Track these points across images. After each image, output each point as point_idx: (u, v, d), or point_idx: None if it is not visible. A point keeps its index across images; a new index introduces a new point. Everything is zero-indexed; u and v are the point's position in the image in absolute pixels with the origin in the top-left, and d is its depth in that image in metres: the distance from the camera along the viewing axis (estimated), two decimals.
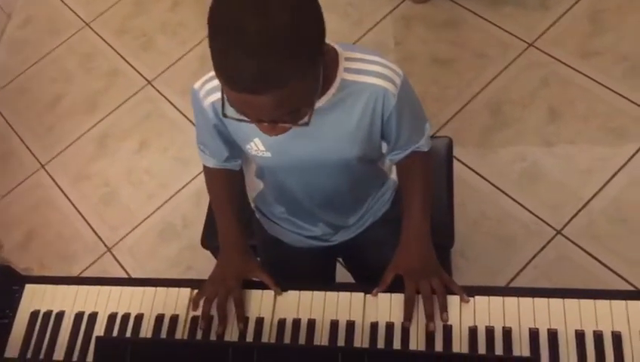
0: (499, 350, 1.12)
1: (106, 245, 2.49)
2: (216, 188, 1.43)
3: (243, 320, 1.24)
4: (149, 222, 2.50)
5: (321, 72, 1.04)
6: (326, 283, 1.56)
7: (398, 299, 1.20)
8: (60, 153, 2.79)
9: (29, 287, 1.41)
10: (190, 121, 2.70)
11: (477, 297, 1.18)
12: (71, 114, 2.90)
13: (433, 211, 1.34)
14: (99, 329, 1.31)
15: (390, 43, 2.68)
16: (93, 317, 1.33)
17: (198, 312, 1.28)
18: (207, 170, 1.45)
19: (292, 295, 1.26)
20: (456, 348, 1.14)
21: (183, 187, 2.55)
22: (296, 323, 1.23)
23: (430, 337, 1.15)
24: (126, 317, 1.31)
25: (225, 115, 1.05)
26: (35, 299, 1.39)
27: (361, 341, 1.18)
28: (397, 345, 1.16)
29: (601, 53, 2.43)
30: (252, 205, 1.57)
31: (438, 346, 1.14)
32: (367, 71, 1.17)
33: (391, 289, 1.23)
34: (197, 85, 1.26)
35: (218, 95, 1.20)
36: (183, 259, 2.37)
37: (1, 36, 3.31)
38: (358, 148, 1.24)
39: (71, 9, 3.31)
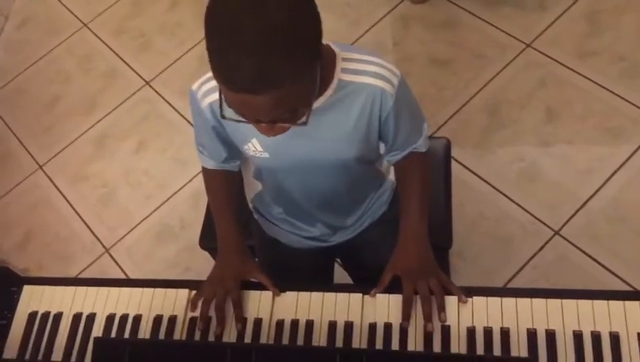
0: (497, 350, 1.12)
1: (104, 246, 2.48)
2: (214, 189, 1.43)
3: (241, 320, 1.24)
4: (147, 223, 2.50)
5: (319, 72, 1.04)
6: (324, 283, 1.56)
7: (396, 299, 1.20)
8: (58, 154, 2.79)
9: (27, 288, 1.41)
10: (188, 122, 2.70)
11: (475, 298, 1.18)
12: (69, 114, 2.90)
13: (431, 212, 1.34)
14: (97, 330, 1.31)
15: (389, 43, 2.68)
16: (91, 318, 1.33)
17: (197, 313, 1.28)
18: (205, 171, 1.45)
19: (290, 296, 1.26)
20: (454, 349, 1.14)
21: (182, 188, 2.55)
22: (295, 323, 1.23)
23: (428, 338, 1.16)
24: (124, 318, 1.31)
25: (223, 117, 1.05)
26: (33, 300, 1.39)
27: (359, 341, 1.18)
28: (395, 345, 1.16)
29: (598, 53, 2.43)
30: (250, 206, 1.57)
31: (437, 347, 1.15)
32: (365, 71, 1.17)
33: (389, 290, 1.23)
34: (195, 86, 1.26)
35: (216, 96, 1.20)
36: (182, 259, 2.36)
37: None
38: (355, 149, 1.24)
39: (69, 10, 3.31)
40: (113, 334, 1.30)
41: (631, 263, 1.99)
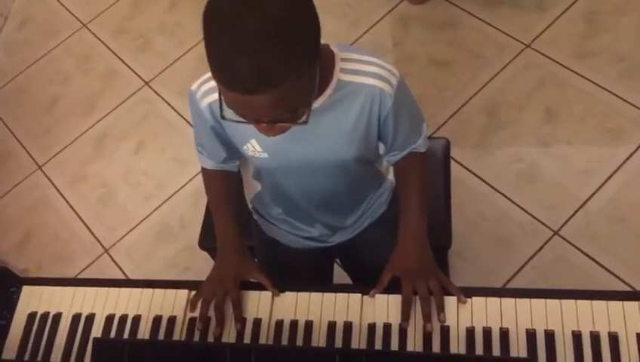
0: (496, 351, 1.12)
1: (103, 246, 2.48)
2: (214, 190, 1.43)
3: (240, 321, 1.24)
4: (146, 223, 2.50)
5: (318, 72, 1.04)
6: (323, 284, 1.56)
7: (395, 300, 1.21)
8: (58, 154, 2.79)
9: (26, 289, 1.41)
10: (188, 122, 2.70)
11: (474, 298, 1.18)
12: (68, 115, 2.90)
13: (430, 212, 1.34)
14: (96, 331, 1.31)
15: (388, 44, 2.68)
16: (90, 318, 1.33)
17: (196, 313, 1.28)
18: (205, 172, 1.45)
19: (289, 296, 1.27)
20: (453, 349, 1.14)
21: (181, 188, 2.55)
22: (294, 324, 1.23)
23: (428, 338, 1.16)
24: (123, 318, 1.31)
25: (223, 117, 1.05)
26: (32, 300, 1.39)
27: (358, 342, 1.18)
28: (394, 346, 1.16)
29: (597, 54, 2.43)
30: (249, 206, 1.57)
31: (436, 347, 1.15)
32: (364, 72, 1.17)
33: (388, 290, 1.23)
34: (194, 87, 1.26)
35: (215, 96, 1.20)
36: (181, 260, 2.36)
37: None
38: (355, 149, 1.24)
39: (68, 10, 3.31)
40: (112, 334, 1.30)
41: (630, 263, 1.99)
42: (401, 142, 1.31)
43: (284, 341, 1.21)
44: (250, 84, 0.92)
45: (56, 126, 2.88)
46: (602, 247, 2.04)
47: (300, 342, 1.20)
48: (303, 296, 1.26)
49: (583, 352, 1.09)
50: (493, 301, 1.17)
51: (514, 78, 2.47)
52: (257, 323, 1.25)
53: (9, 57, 3.22)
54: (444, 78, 2.53)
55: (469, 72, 2.52)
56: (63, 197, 2.65)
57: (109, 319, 1.32)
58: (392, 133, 1.27)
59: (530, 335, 1.12)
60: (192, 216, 2.44)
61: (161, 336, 1.27)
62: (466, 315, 1.17)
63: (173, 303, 1.31)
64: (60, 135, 2.84)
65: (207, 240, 1.72)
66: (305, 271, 1.54)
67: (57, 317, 1.35)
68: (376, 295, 1.22)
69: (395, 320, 1.19)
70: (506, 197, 2.20)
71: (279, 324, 1.24)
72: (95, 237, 2.52)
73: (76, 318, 1.34)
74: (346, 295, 1.24)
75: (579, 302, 1.14)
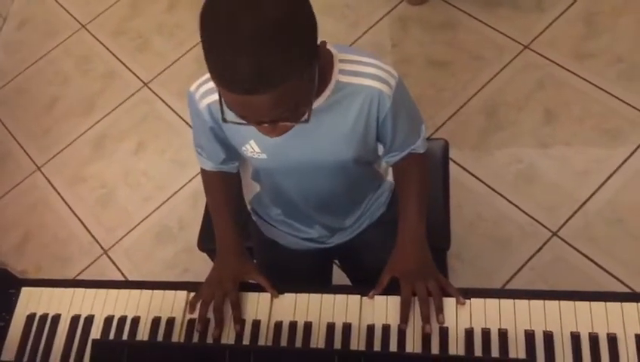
0: (495, 352, 1.12)
1: (102, 247, 2.48)
2: (213, 191, 1.43)
3: (240, 322, 1.24)
4: (145, 224, 2.50)
5: (317, 71, 1.04)
6: (322, 285, 1.56)
7: (394, 301, 1.21)
8: (57, 155, 2.79)
9: (25, 290, 1.41)
10: (187, 123, 2.70)
11: (473, 299, 1.19)
12: (67, 116, 2.90)
13: (429, 213, 1.34)
14: (95, 332, 1.31)
15: (387, 45, 2.69)
16: (89, 320, 1.33)
17: (195, 315, 1.28)
18: (204, 173, 1.45)
19: (288, 297, 1.27)
20: (452, 350, 1.14)
21: (180, 189, 2.55)
22: (293, 325, 1.23)
23: (426, 339, 1.16)
24: (122, 320, 1.31)
25: (225, 120, 1.04)
26: (31, 301, 1.39)
27: (357, 343, 1.18)
28: (393, 347, 1.16)
29: (595, 55, 2.44)
30: (248, 207, 1.57)
31: (435, 348, 1.15)
32: (362, 73, 1.17)
33: (387, 291, 1.23)
34: (193, 88, 1.26)
35: (214, 97, 1.20)
36: (180, 261, 2.36)
37: None
38: (353, 150, 1.24)
39: (67, 11, 3.31)
40: (111, 336, 1.30)
41: (628, 265, 1.99)
42: (399, 143, 1.31)
43: (283, 342, 1.21)
44: (250, 84, 0.92)
45: (56, 127, 2.88)
46: (601, 248, 2.04)
47: (298, 343, 1.20)
48: (302, 297, 1.26)
49: (581, 353, 1.09)
50: (492, 302, 1.17)
51: (513, 79, 2.47)
52: (256, 324, 1.25)
53: (8, 58, 3.22)
54: (443, 79, 2.53)
55: (468, 72, 2.52)
56: (62, 198, 2.65)
57: (108, 320, 1.32)
58: (391, 134, 1.27)
59: (529, 336, 1.12)
60: (191, 217, 2.44)
61: (160, 338, 1.27)
62: (464, 316, 1.17)
63: (172, 304, 1.31)
64: (59, 136, 2.84)
65: (206, 242, 1.72)
66: (304, 272, 1.54)
67: (56, 318, 1.35)
68: (375, 296, 1.22)
69: (394, 321, 1.19)
70: (504, 198, 2.20)
71: (278, 325, 1.24)
72: (94, 238, 2.51)
73: (75, 319, 1.34)
74: (345, 296, 1.24)
75: (577, 303, 1.14)
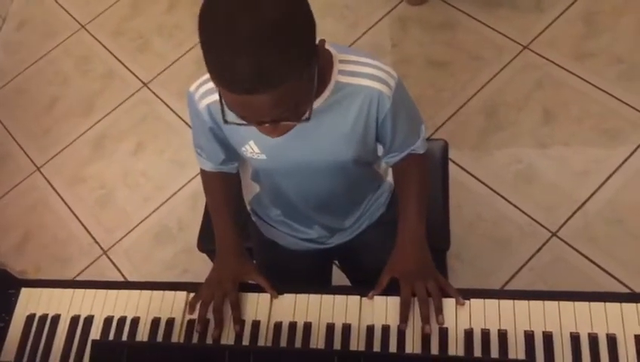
0: (494, 353, 1.12)
1: (101, 248, 2.48)
2: (212, 192, 1.43)
3: (239, 322, 1.24)
4: (145, 225, 2.50)
5: (317, 71, 1.04)
6: (322, 286, 1.57)
7: (393, 301, 1.21)
8: (56, 155, 2.78)
9: (24, 291, 1.41)
10: (186, 124, 2.70)
11: (472, 300, 1.19)
12: (67, 116, 2.89)
13: (428, 213, 1.34)
14: (95, 333, 1.31)
15: (387, 45, 2.69)
16: (89, 320, 1.33)
17: (195, 315, 1.28)
18: (203, 173, 1.45)
19: (288, 298, 1.27)
20: (452, 351, 1.14)
21: (179, 189, 2.55)
22: (293, 326, 1.23)
23: (426, 340, 1.16)
24: (122, 320, 1.31)
25: (226, 122, 1.04)
26: (30, 302, 1.39)
27: (357, 344, 1.18)
28: (393, 347, 1.16)
29: (595, 55, 2.44)
30: (248, 208, 1.57)
31: (434, 349, 1.15)
32: (362, 73, 1.17)
33: (387, 292, 1.23)
34: (192, 88, 1.26)
35: (213, 97, 1.20)
36: (179, 261, 2.36)
37: None
38: (353, 151, 1.24)
39: (67, 11, 3.31)
40: (111, 336, 1.30)
41: (628, 265, 1.99)
42: (399, 143, 1.31)
43: (283, 343, 1.21)
44: (249, 83, 0.92)
45: (55, 127, 2.88)
46: (600, 249, 2.04)
47: (298, 343, 1.20)
48: (302, 297, 1.26)
49: (581, 354, 1.09)
50: (492, 303, 1.17)
51: (512, 79, 2.47)
52: (256, 324, 1.25)
53: (8, 58, 3.22)
54: (442, 80, 2.53)
55: (468, 73, 2.52)
56: (62, 198, 2.65)
57: (108, 321, 1.32)
58: (391, 135, 1.27)
59: (529, 337, 1.13)
60: (191, 217, 2.44)
61: (159, 338, 1.27)
62: (464, 317, 1.17)
63: (172, 305, 1.31)
64: (58, 136, 2.84)
65: (206, 242, 1.72)
66: (303, 272, 1.54)
67: (56, 319, 1.35)
68: (375, 296, 1.22)
69: (393, 321, 1.19)
70: (504, 198, 2.21)
71: (278, 326, 1.24)
72: (93, 239, 2.51)
73: (75, 320, 1.34)
74: (344, 297, 1.24)
75: (577, 303, 1.14)
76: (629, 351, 1.09)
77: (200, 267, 1.76)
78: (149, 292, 1.33)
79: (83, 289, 1.38)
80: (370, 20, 2.79)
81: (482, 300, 1.18)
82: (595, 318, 1.12)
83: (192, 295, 1.31)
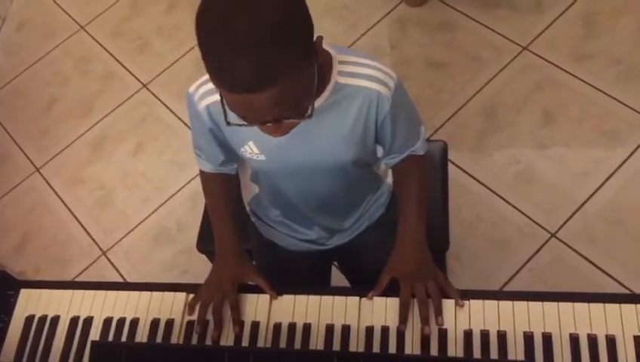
0: (494, 353, 1.12)
1: (101, 249, 2.48)
2: (212, 193, 1.43)
3: (239, 324, 1.24)
4: (144, 226, 2.50)
5: (316, 70, 1.04)
6: (321, 287, 1.57)
7: (393, 302, 1.21)
8: (55, 156, 2.78)
9: (24, 292, 1.41)
10: (186, 125, 2.70)
11: (472, 301, 1.19)
12: (66, 117, 2.89)
13: (428, 214, 1.34)
14: (94, 334, 1.31)
15: (386, 46, 2.69)
16: (88, 321, 1.33)
17: (194, 316, 1.27)
18: (203, 175, 1.45)
19: (287, 299, 1.27)
20: (451, 352, 1.14)
21: (179, 190, 2.55)
22: (292, 327, 1.23)
23: (425, 341, 1.16)
24: (121, 321, 1.31)
25: (228, 123, 1.04)
26: (30, 303, 1.39)
27: (356, 345, 1.18)
28: (392, 348, 1.16)
29: (594, 56, 2.44)
30: (247, 209, 1.57)
31: (434, 350, 1.15)
32: (361, 74, 1.17)
33: (386, 293, 1.23)
34: (192, 89, 1.26)
35: (213, 98, 1.20)
36: (179, 262, 2.36)
37: None
38: (352, 152, 1.24)
39: (66, 12, 3.31)
40: (110, 338, 1.30)
41: (627, 266, 1.99)
42: (399, 145, 1.31)
43: (282, 344, 1.21)
44: (249, 82, 0.92)
45: (54, 128, 2.87)
46: (600, 250, 2.04)
47: (297, 344, 1.20)
48: (301, 298, 1.26)
49: (580, 355, 1.10)
50: (491, 304, 1.18)
51: (511, 80, 2.47)
52: (255, 326, 1.25)
53: (7, 59, 3.21)
54: (441, 81, 2.53)
55: (467, 74, 2.52)
56: (61, 199, 2.65)
57: (107, 322, 1.32)
58: (390, 136, 1.27)
59: (528, 338, 1.13)
60: (190, 218, 2.43)
61: (159, 339, 1.27)
62: (463, 318, 1.17)
63: (171, 306, 1.30)
64: (57, 137, 2.84)
65: (205, 243, 1.72)
66: (303, 273, 1.54)
67: (55, 320, 1.35)
68: (374, 297, 1.22)
69: (392, 322, 1.19)
70: (503, 199, 2.21)
71: (277, 327, 1.24)
72: (93, 240, 2.51)
73: (74, 321, 1.34)
74: (343, 298, 1.24)
75: (576, 304, 1.14)
76: (628, 351, 1.09)
77: (199, 268, 1.76)
78: (149, 293, 1.33)
79: (82, 290, 1.38)
80: (370, 21, 2.79)
81: (481, 301, 1.18)
82: (594, 319, 1.13)
83: (191, 296, 1.31)
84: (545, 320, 1.14)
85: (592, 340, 1.10)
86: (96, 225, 2.55)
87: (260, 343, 1.22)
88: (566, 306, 1.15)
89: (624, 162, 2.19)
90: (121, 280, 2.37)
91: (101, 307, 1.34)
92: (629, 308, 1.13)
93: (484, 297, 1.19)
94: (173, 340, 1.26)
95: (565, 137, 2.28)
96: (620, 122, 2.27)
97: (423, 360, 1.11)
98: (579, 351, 1.10)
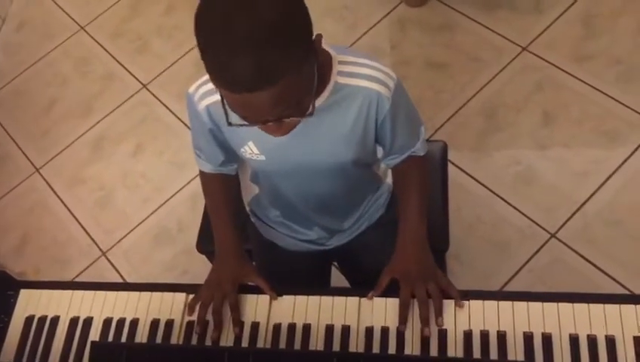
0: (493, 354, 1.12)
1: (101, 249, 2.48)
2: (212, 193, 1.43)
3: (239, 324, 1.24)
4: (144, 226, 2.50)
5: (316, 69, 1.04)
6: (321, 287, 1.57)
7: (393, 303, 1.21)
8: (55, 157, 2.78)
9: (23, 292, 1.41)
10: (185, 125, 2.70)
11: (472, 301, 1.19)
12: (66, 117, 2.89)
13: (428, 215, 1.34)
14: (94, 334, 1.31)
15: (386, 46, 2.69)
16: (88, 322, 1.33)
17: (194, 317, 1.27)
18: (203, 175, 1.45)
19: (287, 299, 1.27)
20: (451, 353, 1.14)
21: (179, 191, 2.55)
22: (292, 327, 1.23)
23: (425, 341, 1.16)
24: (121, 322, 1.31)
25: (230, 124, 1.04)
26: (30, 304, 1.39)
27: (356, 345, 1.18)
28: (392, 349, 1.16)
29: (594, 57, 2.44)
30: (247, 209, 1.57)
31: (433, 351, 1.15)
32: (361, 74, 1.17)
33: (386, 293, 1.23)
34: (191, 89, 1.26)
35: (212, 98, 1.20)
36: (179, 263, 2.36)
37: None
38: (352, 152, 1.24)
39: (66, 12, 3.30)
40: (110, 338, 1.29)
41: (627, 266, 1.99)
42: (399, 145, 1.31)
43: (282, 344, 1.21)
44: (249, 82, 0.92)
45: (54, 128, 2.87)
46: (600, 250, 2.04)
47: (297, 345, 1.20)
48: (301, 299, 1.26)
49: (580, 355, 1.10)
50: (491, 304, 1.18)
51: (511, 80, 2.47)
52: (255, 326, 1.25)
53: (7, 59, 3.21)
54: (441, 81, 2.53)
55: (467, 74, 2.52)
56: (61, 200, 2.65)
57: (107, 322, 1.32)
58: (390, 137, 1.27)
59: (528, 338, 1.13)
60: (190, 219, 2.43)
61: (158, 340, 1.27)
62: (463, 318, 1.17)
63: (171, 306, 1.30)
64: (57, 138, 2.84)
65: (205, 244, 1.72)
66: (303, 274, 1.54)
67: (55, 320, 1.35)
68: (374, 298, 1.22)
69: (392, 323, 1.19)
70: (503, 200, 2.21)
71: (277, 328, 1.24)
72: (93, 240, 2.51)
73: (74, 322, 1.33)
74: (343, 298, 1.24)
75: (576, 305, 1.14)
76: (628, 352, 1.09)
77: (199, 268, 1.76)
78: (149, 293, 1.33)
79: (82, 291, 1.37)
80: (370, 22, 2.79)
81: (481, 301, 1.18)
82: (594, 320, 1.13)
83: (191, 296, 1.31)
84: (545, 321, 1.14)
85: (592, 341, 1.10)
86: (96, 226, 2.55)
87: (260, 344, 1.22)
88: (566, 306, 1.15)
89: (624, 162, 2.19)
90: (120, 280, 2.37)
91: (101, 307, 1.34)
92: (628, 309, 1.13)
93: (484, 297, 1.19)
94: (173, 340, 1.26)
95: (565, 138, 2.28)
96: (620, 122, 2.27)
97: (422, 361, 1.11)
98: (579, 352, 1.10)
